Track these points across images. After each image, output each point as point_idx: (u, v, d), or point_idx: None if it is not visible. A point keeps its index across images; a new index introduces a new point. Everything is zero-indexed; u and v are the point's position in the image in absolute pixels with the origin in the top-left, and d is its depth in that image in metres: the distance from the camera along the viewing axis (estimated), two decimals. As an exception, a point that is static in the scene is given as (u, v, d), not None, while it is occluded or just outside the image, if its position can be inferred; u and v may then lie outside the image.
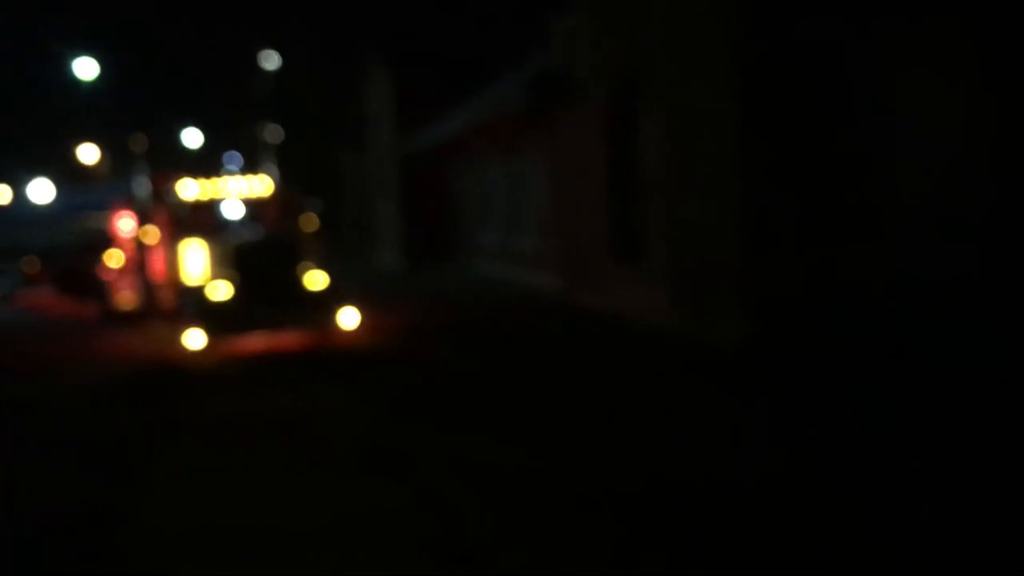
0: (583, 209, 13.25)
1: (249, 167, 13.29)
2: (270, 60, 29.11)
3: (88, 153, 36.55)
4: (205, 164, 14.33)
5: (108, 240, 14.37)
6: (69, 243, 16.46)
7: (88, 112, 35.18)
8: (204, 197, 12.64)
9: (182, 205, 12.35)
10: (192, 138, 37.25)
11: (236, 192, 12.77)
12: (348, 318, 11.25)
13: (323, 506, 5.23)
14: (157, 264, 12.63)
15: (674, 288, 10.42)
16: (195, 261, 12.07)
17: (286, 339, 11.33)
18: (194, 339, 10.67)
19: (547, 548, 4.45)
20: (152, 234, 12.54)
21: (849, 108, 8.90)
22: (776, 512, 4.72)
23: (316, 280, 11.59)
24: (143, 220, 13.03)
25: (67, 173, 34.64)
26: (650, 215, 11.54)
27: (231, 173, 13.34)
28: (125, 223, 14.04)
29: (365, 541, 4.68)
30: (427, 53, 23.22)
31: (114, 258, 14.15)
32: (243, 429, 7.28)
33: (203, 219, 12.46)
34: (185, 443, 6.98)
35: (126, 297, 13.91)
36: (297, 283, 11.48)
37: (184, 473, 6.18)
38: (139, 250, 13.56)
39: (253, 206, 12.92)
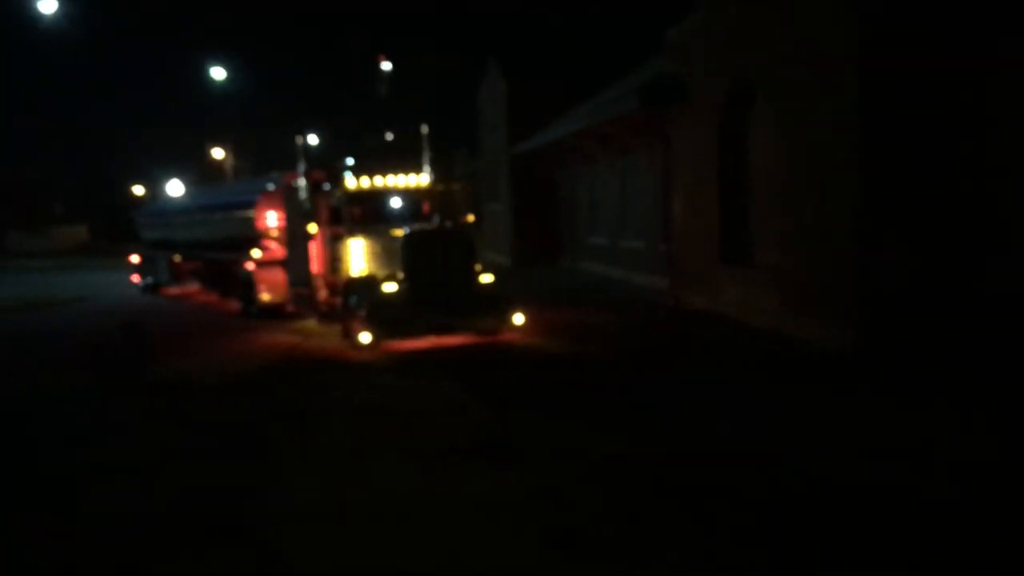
0: (693, 211, 13.45)
1: (366, 169, 12.71)
2: (388, 67, 30.59)
3: (228, 152, 39.35)
4: (331, 164, 13.83)
5: (254, 235, 14.74)
6: (214, 238, 16.78)
7: (227, 114, 37.82)
8: (367, 191, 12.12)
9: (342, 200, 11.91)
10: (318, 139, 39.56)
11: (400, 185, 12.32)
12: (519, 319, 10.80)
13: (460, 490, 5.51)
14: (314, 259, 12.36)
15: (785, 290, 10.60)
16: (359, 256, 11.63)
17: (452, 339, 10.81)
18: (363, 339, 10.43)
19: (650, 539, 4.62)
20: (311, 229, 12.25)
21: (970, 112, 8.91)
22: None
23: (487, 279, 11.06)
24: (297, 216, 12.91)
25: (209, 171, 37.31)
26: (761, 218, 11.72)
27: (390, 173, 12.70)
28: (271, 218, 14.62)
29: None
30: (540, 60, 23.76)
31: (259, 253, 14.52)
32: (385, 418, 7.55)
33: (366, 214, 11.94)
34: (320, 430, 7.29)
35: (270, 292, 14.16)
36: (472, 282, 10.89)
37: (307, 456, 6.50)
38: (286, 245, 13.82)
39: (417, 201, 12.32)
